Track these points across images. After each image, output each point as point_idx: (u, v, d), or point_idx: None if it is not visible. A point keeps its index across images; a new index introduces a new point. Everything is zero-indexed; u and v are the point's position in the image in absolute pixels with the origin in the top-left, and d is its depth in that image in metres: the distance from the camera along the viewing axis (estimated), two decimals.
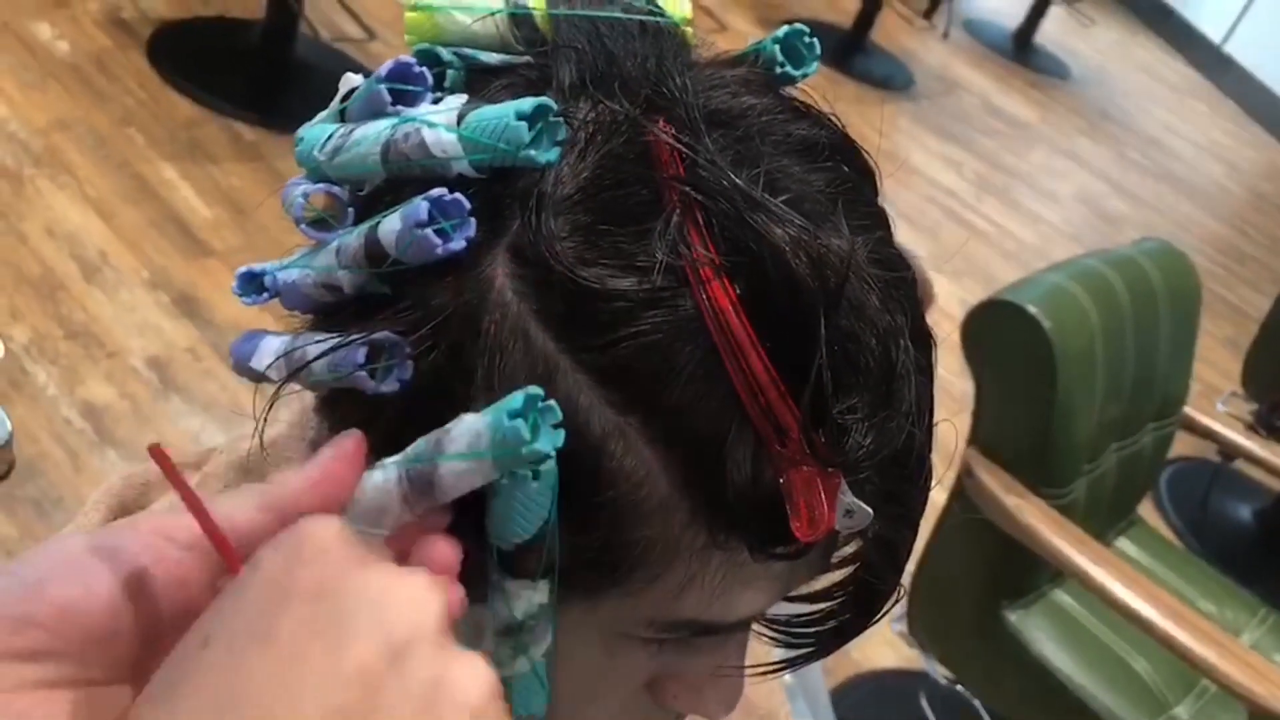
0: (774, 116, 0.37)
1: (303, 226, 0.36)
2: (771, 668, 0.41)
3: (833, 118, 0.39)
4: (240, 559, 0.32)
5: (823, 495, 0.34)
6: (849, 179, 0.37)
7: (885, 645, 1.89)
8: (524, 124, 0.33)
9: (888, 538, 0.38)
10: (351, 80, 0.38)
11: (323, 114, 0.40)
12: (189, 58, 2.61)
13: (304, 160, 0.38)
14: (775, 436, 0.34)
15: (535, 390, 0.32)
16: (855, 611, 0.40)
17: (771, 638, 0.42)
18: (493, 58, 0.39)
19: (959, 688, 1.57)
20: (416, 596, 0.31)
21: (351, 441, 0.35)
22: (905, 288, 0.37)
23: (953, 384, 1.58)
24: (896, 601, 0.40)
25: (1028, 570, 1.51)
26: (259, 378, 0.38)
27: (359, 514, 0.34)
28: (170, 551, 0.32)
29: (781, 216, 0.33)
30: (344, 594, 0.30)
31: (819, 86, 0.40)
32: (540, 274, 0.34)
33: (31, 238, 2.06)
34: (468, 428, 0.33)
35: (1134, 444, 1.66)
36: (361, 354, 0.34)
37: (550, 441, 0.32)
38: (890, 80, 4.10)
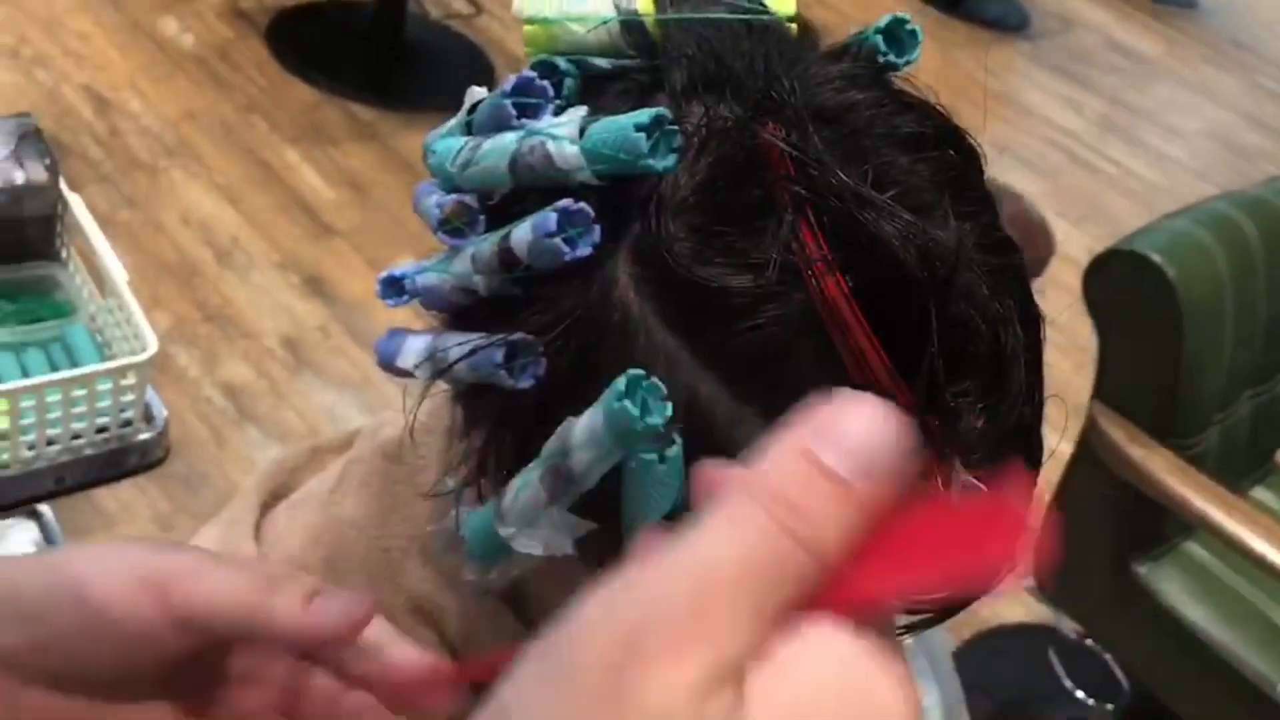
0: (879, 110, 0.38)
1: (440, 234, 0.39)
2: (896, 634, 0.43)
3: (937, 106, 0.40)
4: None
5: (938, 477, 0.35)
6: (954, 166, 0.38)
7: (1014, 601, 1.88)
8: (642, 135, 0.35)
9: None
10: (476, 93, 0.41)
11: (450, 123, 0.42)
12: (305, 43, 2.69)
13: (437, 171, 0.40)
14: None
15: (636, 372, 0.35)
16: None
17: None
18: (606, 63, 0.41)
19: (1089, 642, 1.56)
20: None
21: (361, 613, 0.38)
22: (1013, 271, 0.38)
23: (1079, 333, 1.56)
24: (1009, 573, 0.41)
25: (1158, 522, 1.49)
26: (404, 374, 0.41)
27: (514, 518, 0.37)
28: (219, 575, 0.36)
29: (889, 211, 0.35)
30: None
31: (930, 32, 0.41)
32: (660, 274, 0.36)
33: (168, 226, 2.16)
34: (587, 419, 0.36)
35: (1269, 390, 1.61)
36: (500, 354, 0.37)
37: (660, 414, 0.35)
38: (1003, 20, 3.99)
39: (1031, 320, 0.39)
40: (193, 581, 0.37)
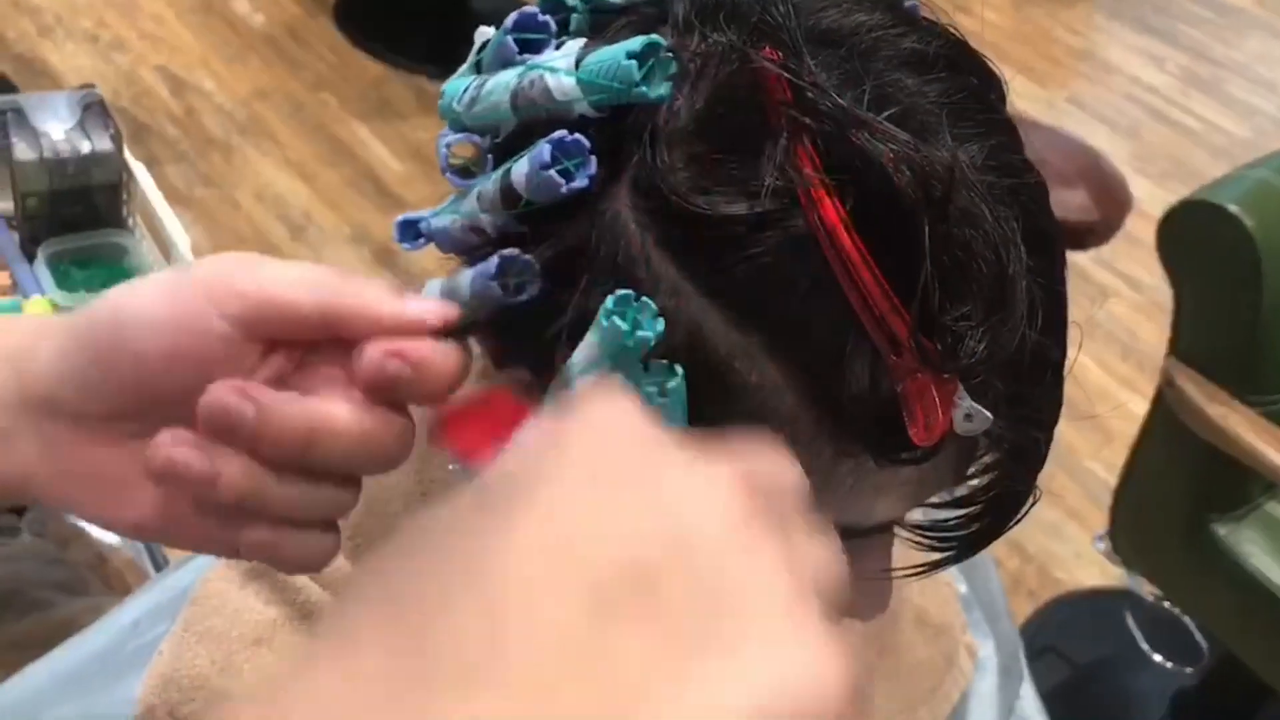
0: (884, 32, 0.37)
1: (448, 174, 0.39)
2: (914, 569, 0.43)
3: (950, 28, 0.39)
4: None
5: (937, 401, 0.35)
6: (965, 87, 0.37)
7: (1089, 564, 1.84)
8: (634, 62, 0.35)
9: (1017, 441, 0.38)
10: (485, 33, 0.41)
11: (462, 68, 0.42)
12: (373, 19, 2.71)
13: (445, 112, 0.40)
14: (890, 346, 0.35)
15: (624, 292, 0.35)
16: (994, 515, 0.41)
17: (915, 542, 0.43)
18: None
19: (1167, 605, 1.52)
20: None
21: (443, 310, 0.35)
22: (1026, 192, 0.37)
23: (1159, 290, 1.51)
24: (1032, 505, 0.40)
25: (1238, 481, 1.45)
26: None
27: None
28: (217, 325, 0.33)
29: (885, 132, 0.34)
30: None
31: None
32: (659, 204, 0.36)
33: (243, 203, 2.21)
34: (584, 343, 0.36)
35: None
36: (494, 265, 0.37)
37: (650, 329, 0.34)
38: None
39: (1045, 244, 0.38)
40: (262, 269, 0.33)
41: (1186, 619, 1.51)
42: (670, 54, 0.36)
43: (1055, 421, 0.40)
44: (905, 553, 0.44)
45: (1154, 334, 1.97)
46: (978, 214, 0.35)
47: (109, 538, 1.21)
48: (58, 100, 1.08)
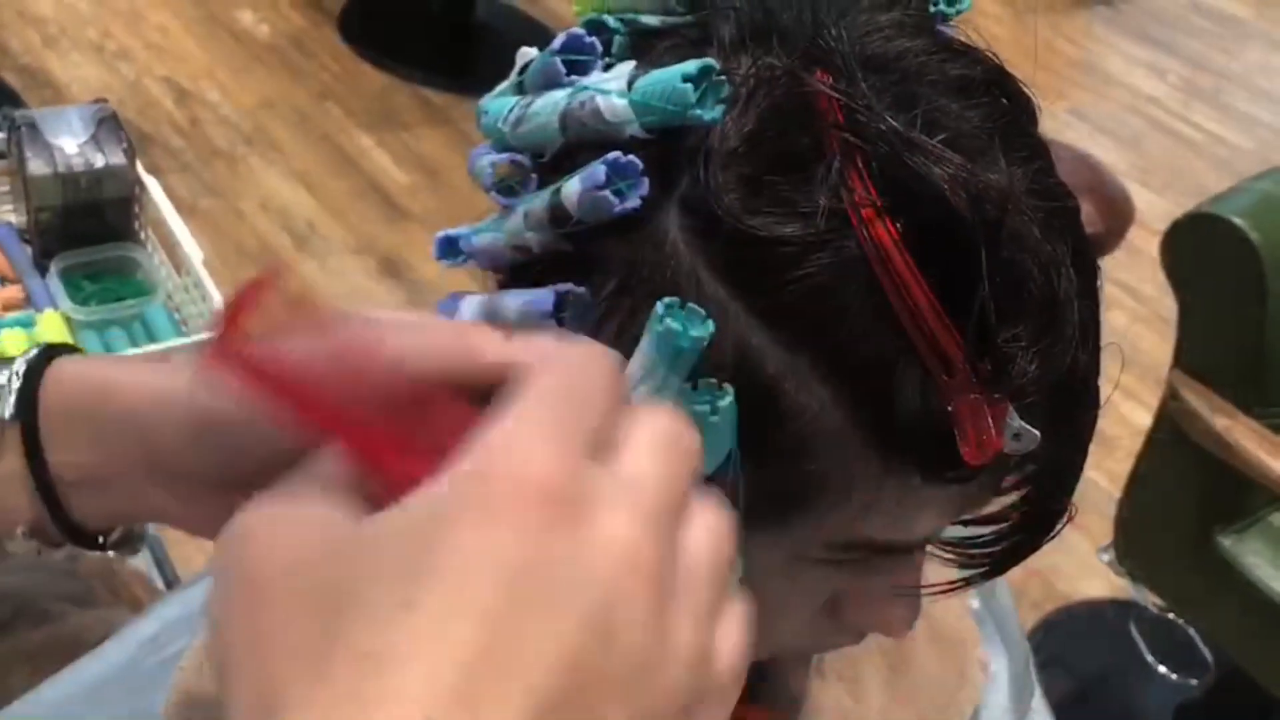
0: (929, 57, 0.38)
1: (492, 193, 0.40)
2: (947, 586, 0.43)
3: (989, 53, 0.39)
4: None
5: (990, 421, 0.35)
6: (1006, 112, 0.38)
7: (1094, 575, 1.85)
8: (689, 86, 0.35)
9: (1057, 459, 0.39)
10: (528, 53, 0.41)
11: (502, 85, 0.43)
12: (377, 30, 2.72)
13: (489, 131, 0.41)
14: (942, 367, 0.35)
15: (672, 299, 0.35)
16: (1028, 532, 0.41)
17: (946, 558, 0.43)
18: (655, 20, 0.41)
19: (1171, 616, 1.53)
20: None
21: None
22: (1067, 216, 0.38)
23: (1160, 303, 1.52)
24: (1067, 522, 0.41)
25: (1242, 493, 1.45)
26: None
27: None
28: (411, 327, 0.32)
29: (939, 155, 0.35)
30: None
31: None
32: (710, 225, 0.36)
33: (248, 214, 2.21)
34: (639, 354, 0.36)
35: None
36: (550, 302, 0.37)
37: (702, 329, 0.34)
38: None
39: (1086, 266, 0.39)
40: (394, 337, 0.32)
41: (1191, 630, 1.52)
42: (723, 77, 0.36)
43: (1090, 440, 0.40)
44: (934, 568, 0.45)
45: (1155, 345, 1.98)
46: (1030, 236, 0.35)
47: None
48: (71, 114, 1.08)
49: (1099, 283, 0.39)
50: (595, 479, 0.26)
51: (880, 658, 0.64)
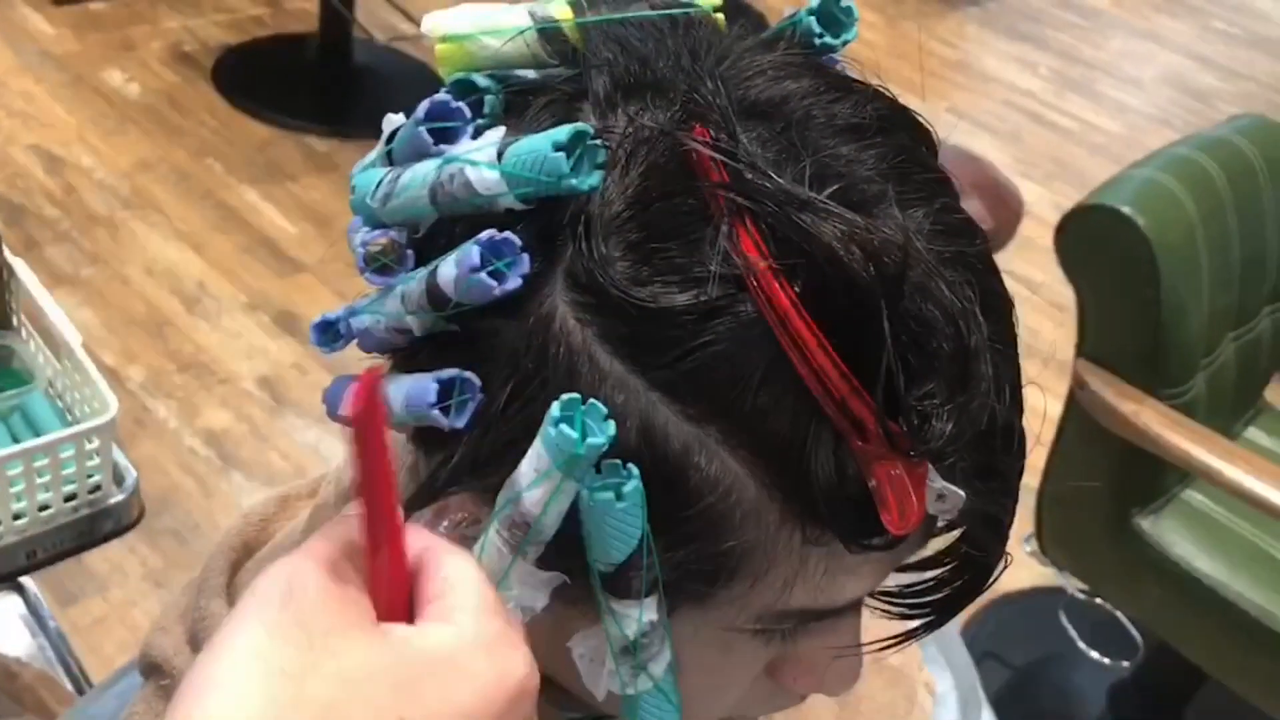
0: (816, 99, 0.36)
1: (367, 274, 0.37)
2: (890, 641, 0.42)
3: (881, 88, 0.38)
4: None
5: (910, 487, 0.34)
6: (902, 149, 0.36)
7: (1019, 566, 1.85)
8: (562, 155, 0.33)
9: (987, 512, 0.37)
10: (393, 121, 0.39)
11: (370, 156, 0.40)
12: (253, 80, 2.66)
13: (358, 208, 0.38)
14: (854, 432, 0.33)
15: (572, 396, 0.33)
16: (967, 576, 0.40)
17: (886, 612, 0.42)
18: (529, 74, 0.39)
19: (1098, 601, 1.54)
20: None
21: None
22: (975, 256, 0.37)
23: (1055, 290, 1.54)
24: (1005, 568, 0.40)
25: (1154, 474, 1.48)
26: (348, 422, 0.39)
27: None
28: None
29: (829, 211, 0.33)
30: None
31: (875, 6, 0.39)
32: (599, 298, 0.34)
33: (133, 279, 2.13)
34: (531, 454, 0.34)
35: (1251, 330, 1.60)
36: (433, 392, 0.35)
37: (602, 434, 0.33)
38: None
39: (998, 306, 0.37)
40: None
41: (1118, 613, 1.54)
42: (597, 141, 0.34)
43: (1019, 486, 0.39)
44: (879, 623, 0.43)
45: (1054, 332, 2.01)
46: (933, 288, 0.34)
47: (16, 650, 1.15)
48: None
49: (1015, 321, 0.38)
50: None
51: (826, 698, 0.62)
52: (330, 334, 0.39)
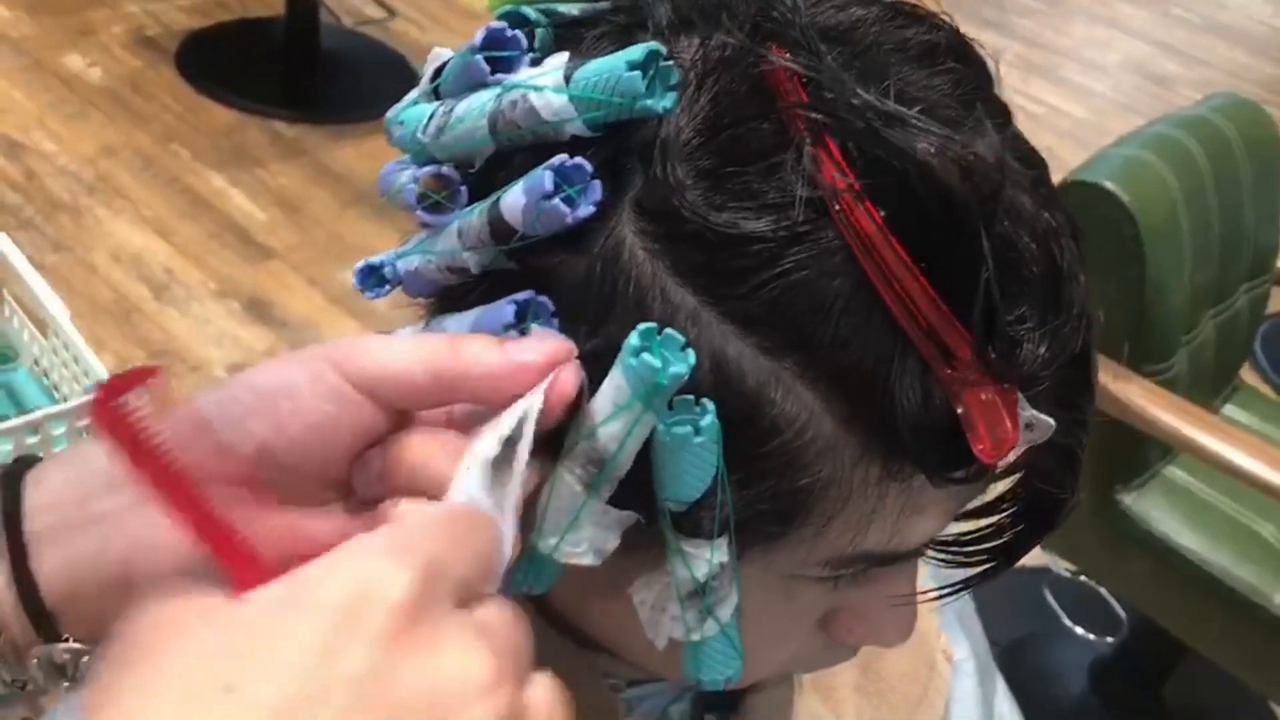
0: (886, 25, 0.35)
1: (419, 212, 0.36)
2: (950, 589, 0.41)
3: (943, 16, 0.37)
4: (250, 576, 0.29)
5: (1003, 413, 0.32)
6: (970, 78, 0.35)
7: None
8: (637, 74, 0.31)
9: (1065, 443, 0.36)
10: (441, 55, 0.37)
11: (413, 94, 0.39)
12: (218, 65, 2.61)
13: (406, 144, 0.37)
14: (943, 359, 0.32)
15: (648, 325, 0.32)
16: (1031, 522, 0.39)
17: (941, 560, 0.41)
18: (576, 9, 0.38)
19: (1083, 578, 1.55)
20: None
21: (563, 349, 0.33)
22: (1049, 183, 0.36)
23: None
24: (1072, 509, 0.39)
25: (1136, 450, 1.49)
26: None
27: (551, 525, 0.33)
28: (347, 395, 0.33)
29: (922, 127, 0.31)
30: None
31: None
32: (671, 227, 0.33)
33: (99, 266, 2.09)
34: (608, 387, 0.32)
35: (1229, 308, 1.61)
36: (510, 313, 0.33)
37: (682, 363, 0.32)
38: None
39: (1076, 233, 0.36)
40: (374, 346, 0.33)
41: (1103, 590, 1.55)
42: (670, 62, 0.33)
43: (1091, 414, 0.38)
44: (934, 572, 0.42)
45: None
46: (1025, 208, 0.33)
47: None
48: None
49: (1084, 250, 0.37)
50: (452, 616, 0.28)
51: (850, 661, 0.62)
52: (375, 278, 0.38)
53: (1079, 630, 1.68)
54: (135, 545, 0.33)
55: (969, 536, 0.40)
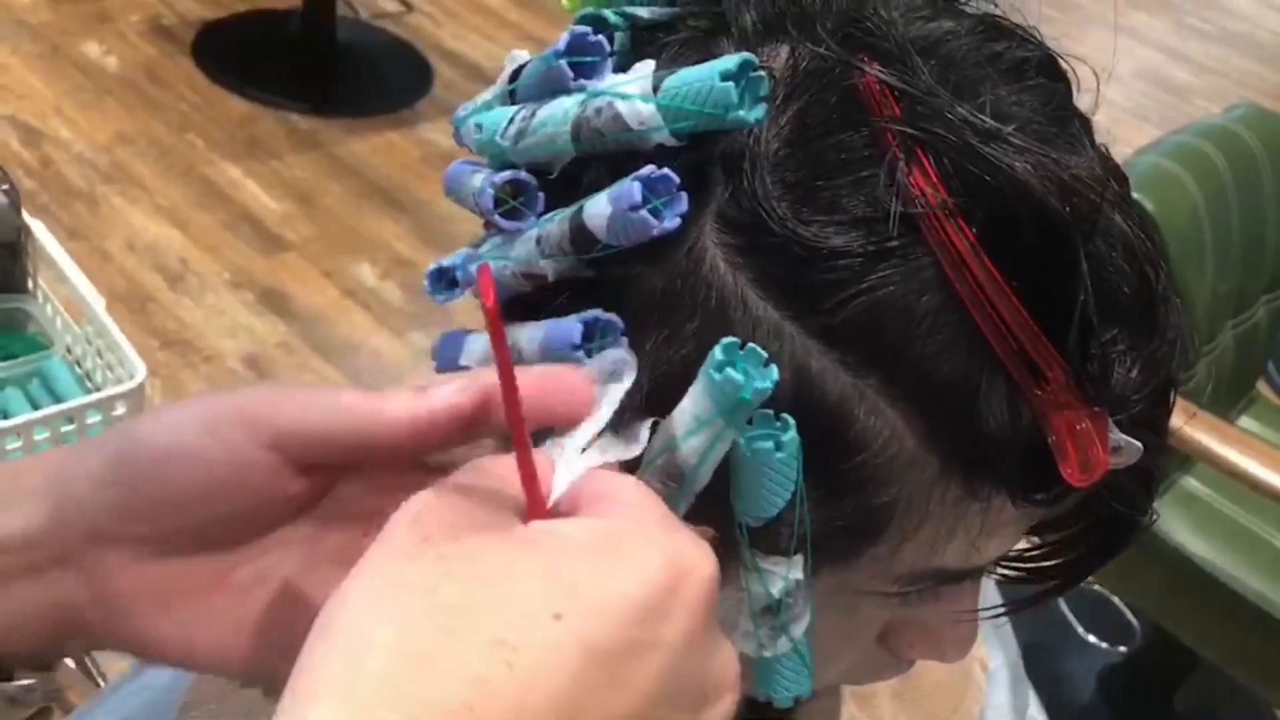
0: (972, 39, 0.34)
1: (496, 217, 0.35)
2: (1015, 607, 0.40)
3: (1031, 30, 0.36)
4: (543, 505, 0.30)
5: (1095, 437, 0.32)
6: (1056, 95, 0.35)
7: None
8: (731, 85, 0.31)
9: (1143, 465, 0.36)
10: (519, 58, 0.37)
11: (486, 95, 0.38)
12: (234, 55, 2.61)
13: (485, 147, 0.36)
14: (1033, 380, 0.32)
15: (731, 340, 0.31)
16: (1104, 541, 0.39)
17: (1007, 577, 0.40)
18: (653, 13, 0.38)
19: (1098, 588, 1.55)
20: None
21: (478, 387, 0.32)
22: (1137, 205, 0.35)
23: None
24: (1149, 526, 0.38)
25: None
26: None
27: None
28: (248, 454, 0.32)
29: (1020, 144, 0.31)
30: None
31: None
32: (755, 239, 0.33)
33: (115, 255, 2.09)
34: (689, 402, 0.32)
35: (1249, 319, 1.61)
36: (578, 333, 0.33)
37: (766, 379, 0.31)
38: None
39: (1167, 258, 0.36)
40: (295, 400, 0.32)
41: (1117, 599, 1.54)
42: (761, 72, 0.32)
43: (1167, 434, 0.38)
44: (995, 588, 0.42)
45: None
46: (1120, 229, 0.32)
47: None
48: None
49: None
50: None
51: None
52: (445, 281, 0.37)
53: (1092, 639, 1.68)
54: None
55: (1038, 553, 0.40)
